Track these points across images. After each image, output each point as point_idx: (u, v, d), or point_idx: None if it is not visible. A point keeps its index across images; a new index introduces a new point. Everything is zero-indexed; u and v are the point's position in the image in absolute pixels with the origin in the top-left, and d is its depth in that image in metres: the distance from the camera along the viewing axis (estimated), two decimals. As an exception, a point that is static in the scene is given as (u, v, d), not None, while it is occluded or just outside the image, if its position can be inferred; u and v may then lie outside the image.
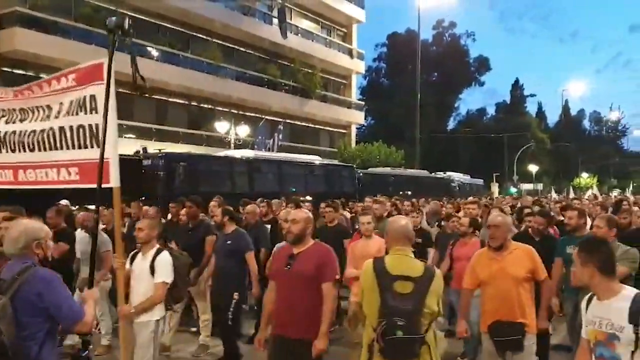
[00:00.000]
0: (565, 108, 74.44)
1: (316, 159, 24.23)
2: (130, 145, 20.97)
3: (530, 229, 6.57)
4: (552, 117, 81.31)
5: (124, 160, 16.66)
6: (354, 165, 27.10)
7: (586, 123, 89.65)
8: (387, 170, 29.93)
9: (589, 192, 32.23)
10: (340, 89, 41.43)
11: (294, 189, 19.67)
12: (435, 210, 11.71)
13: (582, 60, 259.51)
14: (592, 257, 3.06)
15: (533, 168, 56.26)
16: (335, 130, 40.67)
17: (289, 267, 4.20)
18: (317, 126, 38.77)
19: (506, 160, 52.09)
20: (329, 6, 37.46)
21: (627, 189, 49.03)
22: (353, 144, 39.27)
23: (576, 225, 5.99)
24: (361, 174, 25.53)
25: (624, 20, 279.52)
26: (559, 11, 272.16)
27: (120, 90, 19.68)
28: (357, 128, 45.67)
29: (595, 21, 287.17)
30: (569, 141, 63.88)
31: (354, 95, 43.77)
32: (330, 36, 39.77)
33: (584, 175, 62.47)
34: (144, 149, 17.44)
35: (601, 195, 30.99)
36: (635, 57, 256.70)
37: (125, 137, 25.30)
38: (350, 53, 40.49)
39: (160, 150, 18.02)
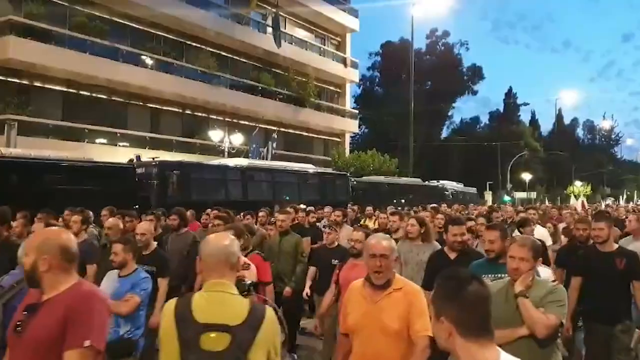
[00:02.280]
0: (559, 116, 74.82)
1: (310, 168, 24.28)
2: (124, 154, 21.02)
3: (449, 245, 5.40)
4: (546, 125, 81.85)
5: (117, 169, 16.67)
6: (348, 174, 27.15)
7: (579, 131, 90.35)
8: (381, 178, 29.99)
9: (579, 201, 32.15)
10: (334, 97, 41.53)
11: (288, 198, 19.71)
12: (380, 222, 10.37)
13: (575, 69, 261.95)
14: (449, 304, 1.93)
15: (526, 176, 56.40)
16: (329, 138, 40.74)
17: (19, 328, 2.58)
18: (311, 134, 38.83)
19: (499, 168, 52.22)
20: (323, 15, 37.63)
21: (620, 197, 49.24)
22: (347, 153, 39.30)
23: (500, 250, 4.52)
24: (355, 182, 25.60)
25: (616, 30, 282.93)
26: (551, 21, 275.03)
27: (114, 98, 19.96)
28: (351, 136, 45.75)
29: (588, 30, 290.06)
30: (563, 149, 64.14)
31: (348, 104, 43.87)
32: (324, 45, 39.91)
33: (578, 183, 62.64)
34: (138, 157, 17.51)
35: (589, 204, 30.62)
36: (628, 66, 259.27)
37: (119, 146, 25.34)
38: (344, 62, 40.64)
39: (153, 158, 18.05)
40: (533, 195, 54.66)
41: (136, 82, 25.64)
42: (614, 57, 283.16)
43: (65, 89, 24.45)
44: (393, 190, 28.13)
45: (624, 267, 5.17)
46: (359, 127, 50.75)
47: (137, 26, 27.12)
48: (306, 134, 38.23)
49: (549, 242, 7.69)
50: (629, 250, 5.52)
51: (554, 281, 5.03)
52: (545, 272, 5.12)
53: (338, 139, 41.34)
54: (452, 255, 5.25)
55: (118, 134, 25.90)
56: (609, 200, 45.81)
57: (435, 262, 5.30)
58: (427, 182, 33.40)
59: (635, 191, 49.02)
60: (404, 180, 31.38)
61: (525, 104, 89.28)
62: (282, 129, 34.54)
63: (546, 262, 6.16)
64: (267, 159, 26.05)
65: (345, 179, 24.83)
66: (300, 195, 20.51)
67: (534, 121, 78.89)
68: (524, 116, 77.21)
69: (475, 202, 32.93)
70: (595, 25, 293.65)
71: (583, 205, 25.37)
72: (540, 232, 8.32)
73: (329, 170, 27.21)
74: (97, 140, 24.85)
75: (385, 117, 56.13)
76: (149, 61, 26.96)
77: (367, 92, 65.98)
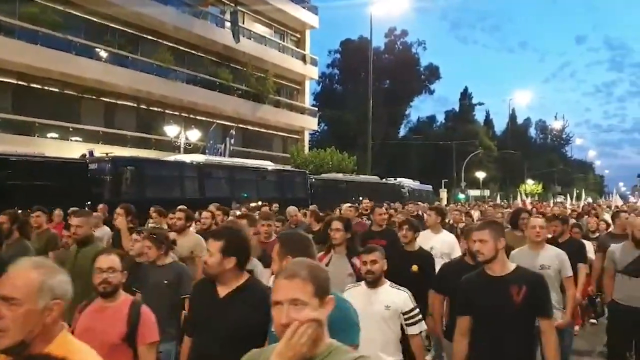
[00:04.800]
0: (512, 116, 76.50)
1: (268, 165, 24.18)
2: (77, 149, 20.51)
3: None
4: (500, 125, 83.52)
5: (69, 164, 16.29)
6: (307, 171, 27.14)
7: (532, 131, 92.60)
8: (339, 176, 30.13)
9: (528, 199, 32.83)
10: (294, 94, 41.43)
11: (246, 195, 19.56)
12: (293, 219, 9.54)
13: (530, 70, 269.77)
14: None
15: (480, 175, 57.46)
16: (288, 135, 40.63)
17: None
18: (269, 131, 38.63)
19: (454, 167, 53.04)
20: (282, 11, 37.43)
21: (568, 195, 50.52)
22: (306, 150, 39.28)
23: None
24: (313, 180, 25.62)
25: (570, 32, 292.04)
26: (509, 22, 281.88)
27: (67, 91, 19.44)
28: (310, 134, 45.72)
29: (544, 32, 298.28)
30: (516, 149, 65.50)
31: (307, 101, 43.82)
32: (283, 41, 39.75)
33: (530, 182, 64.21)
34: (91, 153, 17.13)
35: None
36: (581, 67, 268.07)
37: (71, 140, 24.71)
38: (303, 59, 40.57)
39: (107, 154, 17.66)
40: (487, 193, 55.74)
41: (90, 75, 24.96)
42: (568, 59, 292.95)
43: (15, 82, 23.65)
44: (351, 188, 28.20)
45: (522, 298, 3.51)
46: (318, 125, 50.72)
47: (92, 18, 26.42)
48: (265, 130, 38.02)
49: (456, 253, 6.21)
50: (531, 274, 3.79)
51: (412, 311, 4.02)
52: (399, 298, 4.04)
53: (297, 136, 41.28)
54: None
55: (71, 129, 25.24)
56: (560, 198, 47.06)
57: (196, 293, 3.59)
58: (384, 179, 33.66)
59: (583, 189, 50.51)
60: (362, 178, 31.53)
61: (480, 104, 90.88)
62: (241, 125, 34.26)
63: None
64: (224, 156, 25.80)
65: (303, 177, 24.82)
66: (259, 193, 20.40)
67: (488, 121, 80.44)
68: (479, 115, 78.72)
69: (431, 200, 33.37)
70: (551, 27, 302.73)
71: (524, 203, 24.73)
72: (446, 241, 6.80)
73: (288, 167, 27.14)
74: (49, 135, 24.18)
75: (344, 115, 56.32)
76: (103, 54, 26.30)
77: (327, 90, 66.08)
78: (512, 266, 3.72)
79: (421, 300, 4.65)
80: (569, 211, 16.16)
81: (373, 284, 4.10)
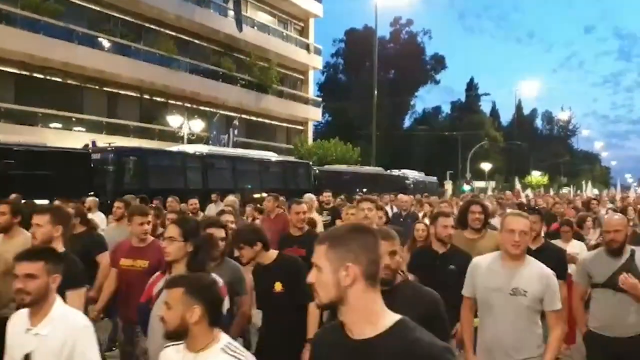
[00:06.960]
0: (519, 107, 75.99)
1: (272, 155, 24.06)
2: (80, 139, 20.38)
3: None
4: (506, 116, 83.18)
5: (72, 154, 16.15)
6: (310, 162, 27.00)
7: (538, 122, 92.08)
8: (343, 167, 30.00)
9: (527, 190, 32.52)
10: (297, 84, 41.17)
11: (249, 186, 19.43)
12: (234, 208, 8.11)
13: (538, 60, 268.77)
14: None
15: (486, 166, 57.10)
16: (292, 126, 40.41)
17: None
18: (273, 122, 38.43)
19: (460, 158, 52.68)
20: (286, 0, 37.13)
21: (572, 187, 50.19)
22: (310, 141, 39.10)
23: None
24: (317, 171, 25.49)
25: (579, 21, 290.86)
26: (517, 11, 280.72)
27: (69, 81, 19.26)
28: (314, 125, 45.55)
29: (552, 22, 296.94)
30: (522, 140, 65.10)
31: (311, 91, 43.60)
32: (287, 30, 39.42)
33: (536, 173, 63.87)
34: (93, 143, 17.07)
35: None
36: (589, 58, 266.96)
37: (74, 130, 24.60)
38: (307, 48, 40.25)
39: (110, 144, 17.62)
40: (492, 184, 55.41)
41: (92, 65, 24.81)
42: (576, 49, 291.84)
43: (17, 71, 23.52)
44: (355, 179, 28.05)
45: None
46: (322, 115, 50.47)
47: (94, 7, 26.25)
48: (268, 121, 37.82)
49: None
50: (413, 342, 1.71)
51: None
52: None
53: (301, 127, 41.06)
54: None
55: (73, 119, 25.14)
56: (565, 190, 46.72)
57: None
58: (388, 171, 33.47)
59: (590, 181, 50.14)
60: (366, 169, 31.39)
61: (487, 94, 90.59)
62: (244, 116, 34.05)
63: None
64: (228, 146, 25.67)
65: (307, 168, 24.70)
66: (262, 184, 20.27)
67: (494, 111, 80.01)
68: (485, 106, 78.25)
69: (436, 191, 33.18)
70: (558, 17, 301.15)
71: (518, 194, 21.79)
72: None
73: (292, 158, 27.01)
74: (52, 125, 24.07)
75: (349, 105, 56.01)
76: (106, 44, 26.12)
77: (331, 80, 65.76)
78: (389, 320, 1.78)
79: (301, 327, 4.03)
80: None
81: (189, 347, 2.45)
